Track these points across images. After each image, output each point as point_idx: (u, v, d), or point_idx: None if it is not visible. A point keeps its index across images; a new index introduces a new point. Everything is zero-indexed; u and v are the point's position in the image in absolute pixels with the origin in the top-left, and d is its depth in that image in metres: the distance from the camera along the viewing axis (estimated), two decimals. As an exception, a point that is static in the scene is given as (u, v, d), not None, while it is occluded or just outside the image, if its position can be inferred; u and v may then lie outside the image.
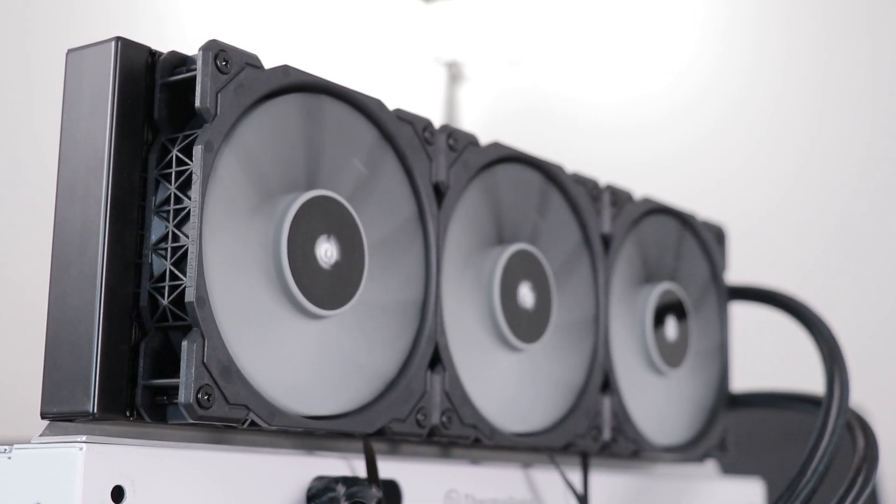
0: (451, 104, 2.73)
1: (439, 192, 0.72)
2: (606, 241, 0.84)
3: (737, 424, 0.99)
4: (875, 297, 1.93)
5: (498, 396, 0.75)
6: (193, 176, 0.58)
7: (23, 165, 1.89)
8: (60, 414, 0.57)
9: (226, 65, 0.60)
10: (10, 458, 0.56)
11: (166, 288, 0.58)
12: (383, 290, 0.68)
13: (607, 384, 0.82)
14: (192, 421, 0.57)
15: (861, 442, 0.79)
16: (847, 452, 0.78)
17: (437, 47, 2.74)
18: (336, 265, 0.64)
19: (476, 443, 0.73)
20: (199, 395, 0.56)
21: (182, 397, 0.56)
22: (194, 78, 0.59)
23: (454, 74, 2.75)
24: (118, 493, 0.54)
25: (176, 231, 0.59)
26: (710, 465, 0.97)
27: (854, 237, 2.01)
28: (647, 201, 0.89)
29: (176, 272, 0.58)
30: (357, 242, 0.66)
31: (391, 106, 0.70)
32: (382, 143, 0.69)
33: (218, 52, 0.59)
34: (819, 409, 0.80)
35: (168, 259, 0.59)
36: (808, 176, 2.10)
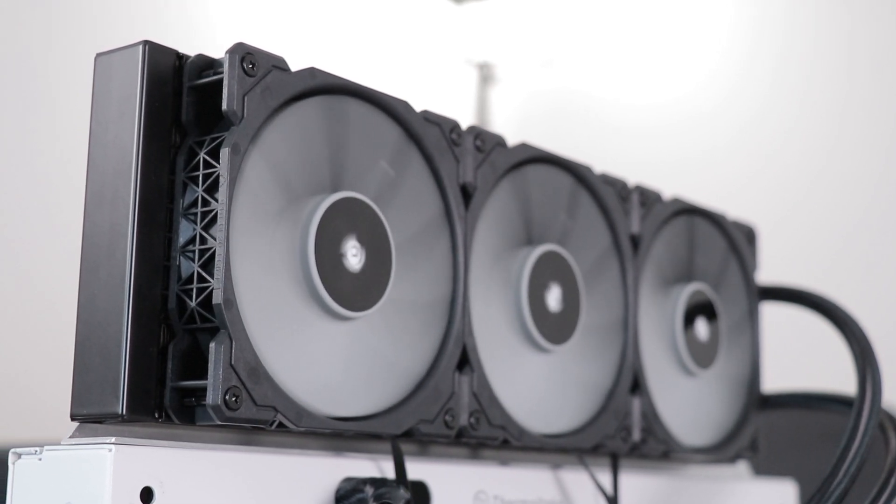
0: (482, 105, 2.74)
1: (466, 194, 0.72)
2: (635, 242, 0.84)
3: (769, 425, 0.98)
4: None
5: (526, 398, 0.75)
6: (221, 178, 0.58)
7: (51, 170, 1.91)
8: (90, 416, 0.58)
9: (252, 67, 0.60)
10: (40, 459, 0.56)
11: (194, 290, 0.59)
12: (411, 291, 0.68)
13: (637, 385, 0.82)
14: (220, 422, 0.57)
15: (894, 442, 0.78)
16: (880, 453, 0.78)
17: (468, 49, 2.74)
18: (363, 267, 0.64)
19: (505, 444, 0.73)
20: (227, 397, 0.56)
21: (210, 399, 0.56)
22: (221, 81, 0.59)
23: (485, 76, 2.75)
24: (147, 494, 0.55)
25: (203, 233, 0.59)
26: (742, 466, 0.97)
27: (883, 235, 2.00)
28: (676, 201, 0.88)
29: (203, 274, 0.58)
30: (384, 244, 0.66)
31: (419, 107, 0.70)
32: (409, 145, 0.69)
33: (244, 55, 0.60)
34: (851, 410, 0.79)
35: (196, 261, 0.59)
36: (835, 174, 2.08)
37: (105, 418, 0.57)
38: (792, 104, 2.18)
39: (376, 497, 0.62)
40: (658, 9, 2.48)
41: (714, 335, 0.90)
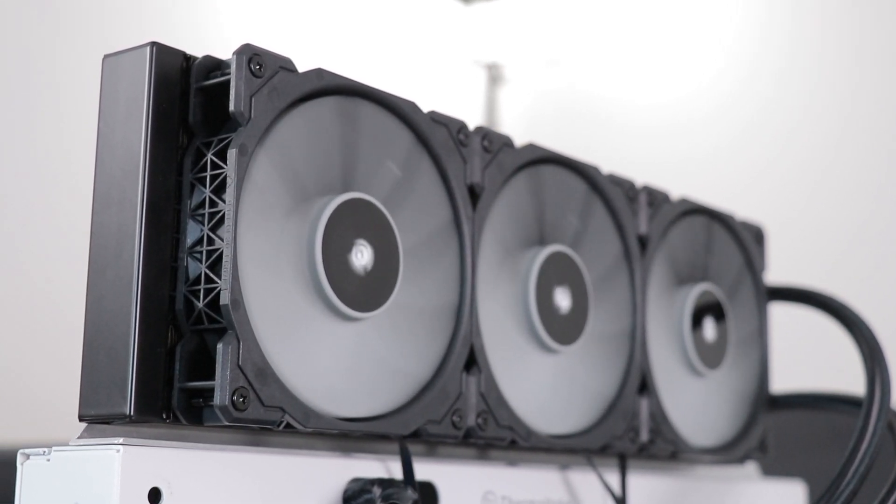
0: (490, 106, 2.74)
1: (474, 194, 0.72)
2: (643, 242, 0.84)
3: (778, 426, 0.98)
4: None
5: (534, 398, 0.75)
6: (228, 179, 0.58)
7: (58, 171, 1.91)
8: (98, 416, 0.58)
9: (260, 68, 0.60)
10: (49, 460, 0.57)
11: (201, 291, 0.59)
12: (418, 292, 0.68)
13: (645, 385, 0.82)
14: (227, 423, 0.57)
15: (903, 443, 0.78)
16: (888, 453, 0.78)
17: (476, 49, 2.74)
18: (371, 267, 0.64)
19: (512, 444, 0.73)
20: (235, 398, 0.56)
21: (217, 399, 0.56)
22: (228, 82, 0.59)
23: (494, 76, 2.75)
24: (155, 494, 0.55)
25: (211, 234, 0.59)
26: (751, 467, 0.97)
27: (890, 234, 1.99)
28: (684, 202, 0.88)
29: (211, 275, 0.58)
30: (392, 244, 0.66)
31: (427, 108, 0.70)
32: (417, 146, 0.69)
33: (252, 56, 0.60)
34: (860, 410, 0.79)
35: (203, 262, 0.59)
36: (842, 172, 2.08)
37: (113, 419, 0.57)
38: (798, 103, 2.18)
39: (384, 497, 0.62)
40: (664, 8, 2.48)
41: (722, 336, 0.90)
